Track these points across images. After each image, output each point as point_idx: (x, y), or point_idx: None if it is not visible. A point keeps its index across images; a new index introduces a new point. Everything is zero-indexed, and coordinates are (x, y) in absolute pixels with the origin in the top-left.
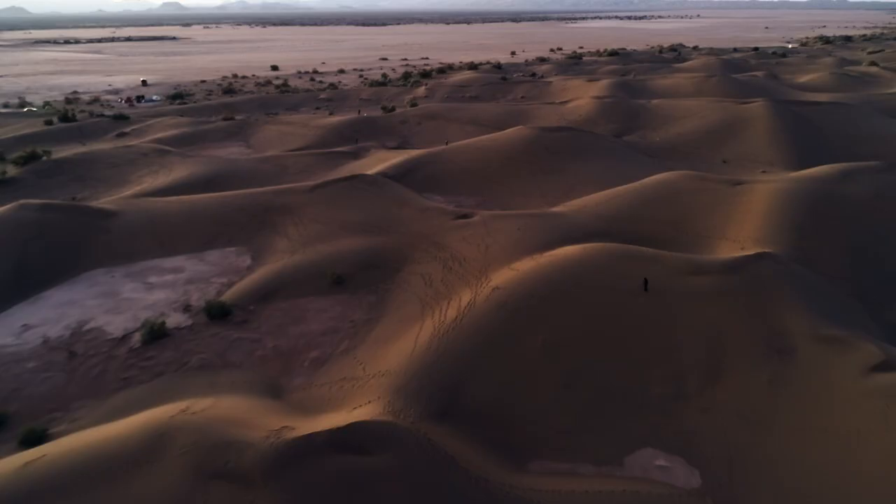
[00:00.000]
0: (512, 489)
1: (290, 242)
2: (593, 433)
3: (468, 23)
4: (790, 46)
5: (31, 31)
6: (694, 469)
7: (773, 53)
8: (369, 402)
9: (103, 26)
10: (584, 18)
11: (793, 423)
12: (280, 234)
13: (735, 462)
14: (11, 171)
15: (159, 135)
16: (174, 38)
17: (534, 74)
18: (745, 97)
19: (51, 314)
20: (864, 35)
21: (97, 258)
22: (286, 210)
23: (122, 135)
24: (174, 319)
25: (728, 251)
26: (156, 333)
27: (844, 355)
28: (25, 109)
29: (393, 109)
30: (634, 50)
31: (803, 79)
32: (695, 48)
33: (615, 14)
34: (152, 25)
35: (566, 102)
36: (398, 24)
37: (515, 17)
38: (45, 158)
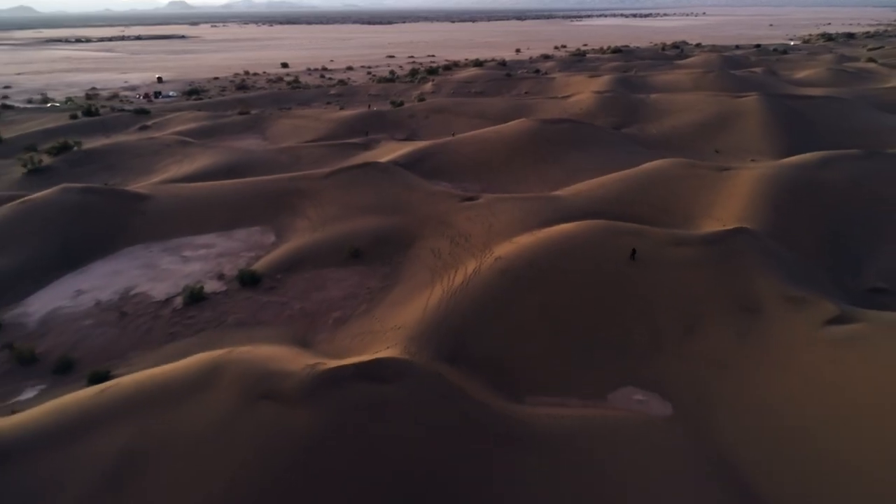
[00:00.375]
0: (511, 413)
1: (310, 222)
2: (581, 376)
3: (473, 21)
4: (792, 43)
5: (41, 29)
6: (667, 402)
7: (774, 50)
8: (387, 348)
9: (112, 25)
10: (589, 16)
11: (755, 365)
12: (300, 215)
13: (703, 397)
14: (46, 160)
15: (179, 128)
16: (183, 37)
17: (537, 71)
18: (742, 92)
19: (99, 282)
20: (868, 32)
21: (135, 236)
22: (304, 194)
23: (144, 128)
24: (210, 286)
25: (711, 228)
26: (195, 297)
27: (804, 311)
28: (49, 105)
29: (401, 104)
30: (638, 47)
31: (801, 74)
32: (697, 45)
33: (620, 12)
34: (160, 24)
35: (568, 97)
36: (404, 22)
37: (521, 15)
38: (75, 149)
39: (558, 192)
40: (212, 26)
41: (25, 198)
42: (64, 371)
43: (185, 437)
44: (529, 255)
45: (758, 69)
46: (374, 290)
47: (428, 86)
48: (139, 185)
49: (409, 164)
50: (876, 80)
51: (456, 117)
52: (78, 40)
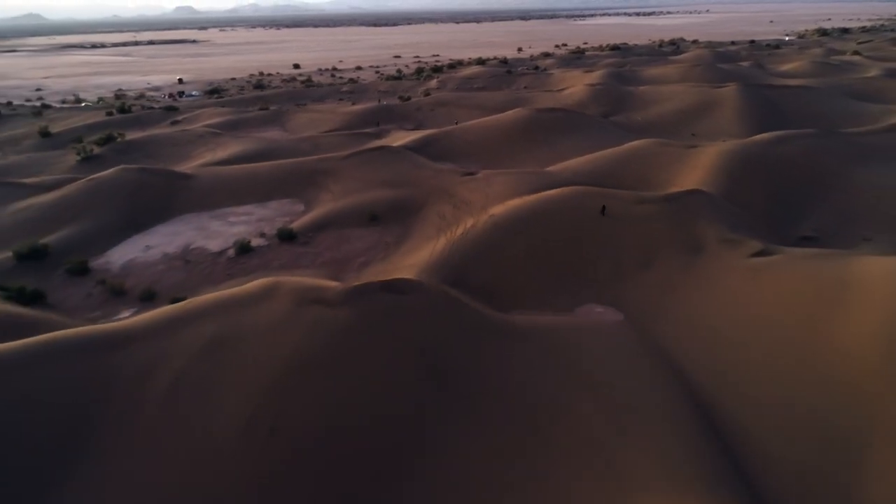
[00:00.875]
0: (499, 317)
1: (333, 195)
2: (554, 297)
3: (478, 21)
4: (787, 38)
5: (54, 36)
6: (620, 313)
7: (767, 45)
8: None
9: (121, 31)
10: (592, 15)
11: (693, 288)
12: (324, 189)
13: (649, 309)
14: (95, 149)
15: (207, 121)
16: (194, 41)
17: (536, 67)
18: (724, 83)
19: (163, 240)
20: (864, 27)
21: (185, 206)
22: (327, 172)
23: (175, 122)
24: (255, 241)
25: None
26: (244, 248)
27: (736, 249)
28: (83, 104)
29: (409, 99)
30: (636, 45)
31: (785, 67)
32: (694, 42)
33: (624, 11)
34: (169, 29)
35: (562, 90)
36: (409, 23)
37: (525, 15)
38: (118, 140)
39: (548, 169)
40: (220, 30)
41: (92, 176)
42: (149, 299)
43: (255, 328)
44: (518, 212)
45: (746, 63)
46: (391, 243)
47: (433, 82)
48: (181, 168)
49: (417, 148)
50: (855, 71)
51: (459, 109)
52: (93, 46)
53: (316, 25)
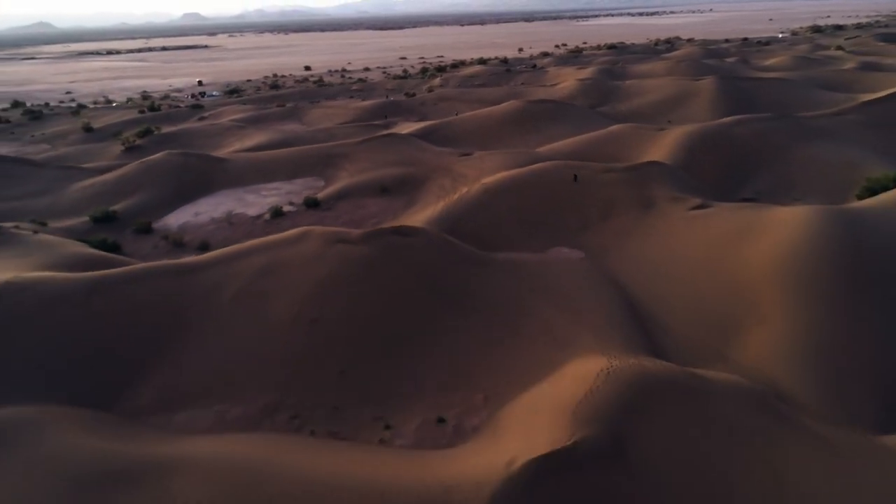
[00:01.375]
0: (486, 254)
1: (349, 173)
2: (530, 243)
3: (482, 23)
4: (780, 36)
5: (68, 44)
6: (582, 252)
7: (758, 42)
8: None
9: (132, 38)
10: (596, 16)
11: (642, 234)
12: (341, 168)
13: (605, 249)
14: (137, 141)
15: (231, 117)
16: (206, 47)
17: (534, 66)
18: (705, 76)
19: (208, 208)
20: (860, 24)
21: (224, 183)
22: (342, 156)
23: (202, 118)
24: (286, 208)
25: None
26: (277, 213)
27: (680, 204)
28: (114, 104)
29: (414, 95)
30: (633, 44)
31: (768, 62)
32: (689, 40)
33: (628, 11)
34: (179, 36)
35: (555, 84)
36: (414, 27)
37: (529, 17)
38: (156, 133)
39: (535, 150)
40: (229, 36)
41: (143, 160)
42: (204, 249)
43: (295, 259)
44: (504, 180)
45: (732, 59)
46: (399, 208)
47: (436, 80)
48: (216, 155)
49: (422, 135)
50: (832, 65)
51: (460, 103)
52: (109, 52)
53: (323, 30)
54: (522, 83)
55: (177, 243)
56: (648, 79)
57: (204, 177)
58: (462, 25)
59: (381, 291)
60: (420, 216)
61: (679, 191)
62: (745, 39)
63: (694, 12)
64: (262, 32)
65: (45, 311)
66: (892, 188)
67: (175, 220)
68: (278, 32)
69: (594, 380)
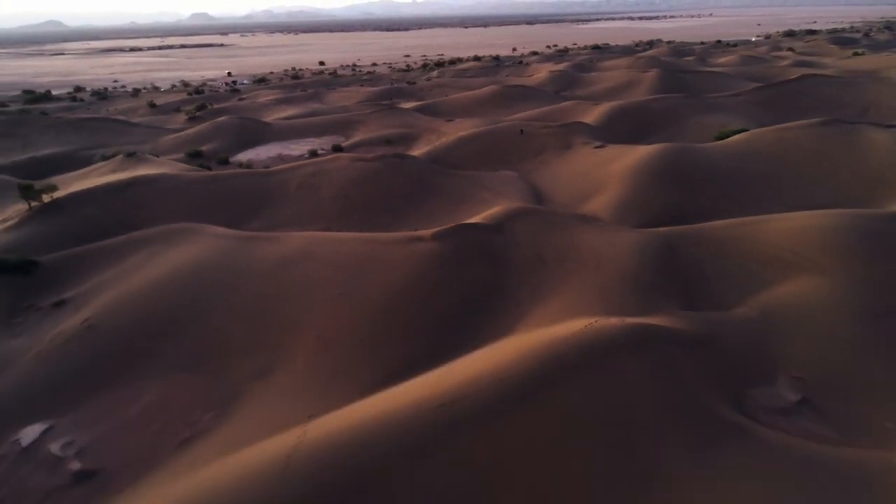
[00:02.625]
0: (453, 171)
1: (362, 133)
2: (486, 168)
3: (486, 26)
4: (753, 39)
5: (88, 41)
6: (517, 172)
7: (727, 44)
8: None
9: (148, 36)
10: (598, 19)
11: (558, 162)
12: (356, 130)
13: (531, 171)
14: (197, 113)
15: (265, 98)
16: (221, 45)
17: (521, 62)
18: (666, 68)
19: (263, 152)
20: (834, 28)
21: (270, 138)
22: (357, 122)
23: (241, 99)
24: (319, 151)
25: None
26: (314, 154)
27: (588, 146)
28: (162, 90)
29: (414, 83)
30: (617, 45)
31: (720, 60)
32: (669, 42)
33: (629, 15)
34: (191, 35)
35: (531, 76)
36: (420, 28)
37: (532, 20)
38: (209, 107)
39: (504, 118)
40: (241, 36)
41: (212, 121)
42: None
43: (332, 169)
44: (472, 133)
45: (692, 58)
46: (400, 151)
47: (434, 73)
48: (262, 120)
49: (418, 109)
50: (772, 63)
51: (451, 89)
52: (132, 49)
53: (331, 30)
54: (507, 75)
55: (248, 167)
56: (609, 71)
57: (257, 133)
58: (466, 27)
59: (388, 185)
60: (417, 153)
61: (592, 138)
62: (719, 42)
63: (694, 17)
64: (272, 32)
65: (181, 189)
66: (731, 137)
67: (243, 157)
68: (288, 33)
69: (498, 211)
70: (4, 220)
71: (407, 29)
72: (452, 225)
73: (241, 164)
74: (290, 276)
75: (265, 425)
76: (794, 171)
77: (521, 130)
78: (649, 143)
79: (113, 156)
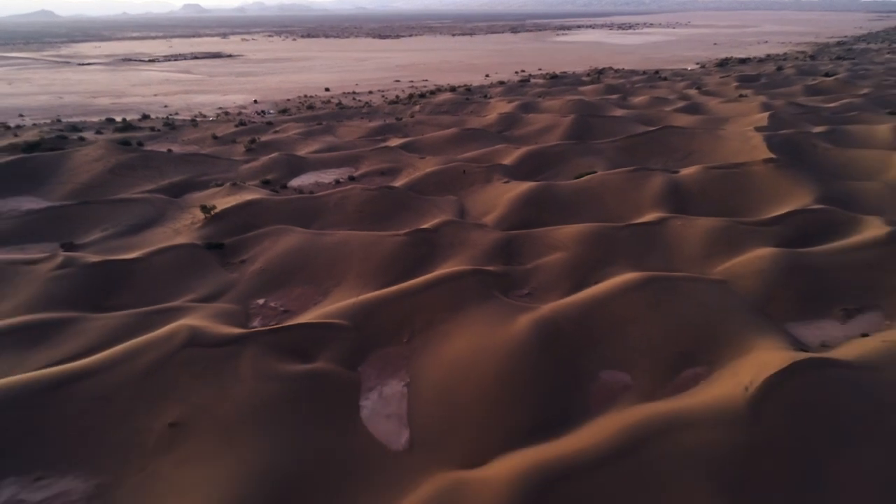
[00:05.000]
0: (421, 196)
1: (367, 166)
2: (438, 195)
3: (472, 34)
4: (689, 69)
5: (98, 43)
6: (455, 197)
7: (660, 77)
8: None
9: (148, 35)
10: (579, 27)
11: (480, 191)
12: (362, 163)
13: (464, 197)
14: (251, 145)
15: (293, 132)
16: (230, 56)
17: (486, 95)
18: (576, 112)
19: (305, 179)
20: (767, 55)
21: (307, 169)
22: (362, 157)
23: (276, 132)
24: (340, 180)
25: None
26: (338, 183)
27: (501, 181)
28: (211, 119)
29: (401, 119)
30: (574, 73)
31: (634, 101)
32: (617, 71)
33: (608, 23)
34: (186, 27)
35: (485, 116)
36: (410, 35)
37: (517, 26)
38: (257, 140)
39: (455, 156)
40: (242, 39)
41: (269, 156)
42: (312, 192)
43: (349, 196)
44: (435, 170)
45: (615, 96)
46: (389, 181)
47: (417, 107)
48: (298, 154)
49: (402, 147)
50: (667, 105)
51: (427, 126)
52: (151, 60)
53: (328, 36)
54: (471, 111)
55: (301, 191)
56: (543, 114)
57: (299, 165)
58: (453, 35)
59: (383, 205)
60: (398, 184)
61: (505, 176)
62: (656, 72)
63: (668, 27)
64: (270, 35)
65: (273, 207)
66: (582, 177)
67: (294, 183)
68: (285, 35)
69: (437, 221)
70: (192, 223)
71: (398, 37)
72: (414, 228)
73: (296, 189)
74: (339, 251)
75: (348, 296)
76: (602, 201)
77: (464, 171)
78: (537, 180)
79: (222, 184)
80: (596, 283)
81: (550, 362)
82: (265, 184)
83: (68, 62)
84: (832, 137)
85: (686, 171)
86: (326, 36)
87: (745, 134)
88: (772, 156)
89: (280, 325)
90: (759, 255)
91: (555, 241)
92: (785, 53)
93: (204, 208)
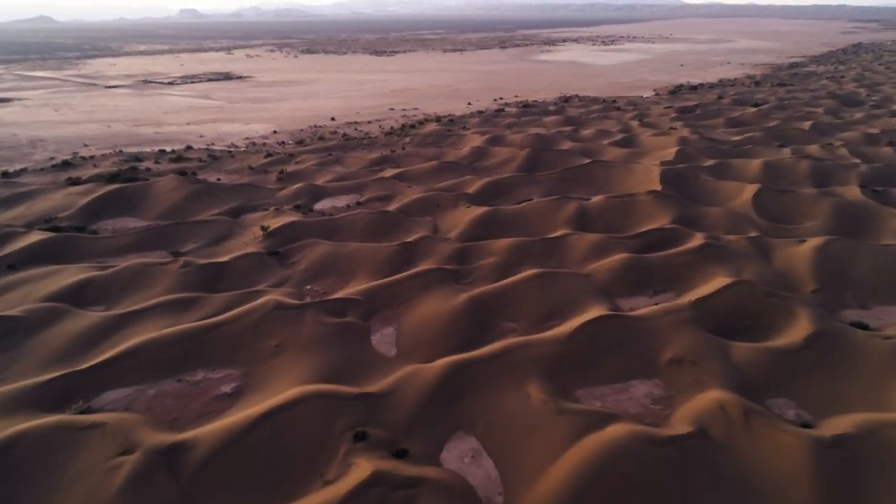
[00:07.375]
0: (408, 217)
1: (368, 193)
2: (419, 216)
3: (462, 51)
4: (644, 96)
5: (111, 59)
6: (431, 217)
7: (615, 107)
8: None
9: (161, 52)
10: (564, 41)
11: (449, 213)
12: (365, 191)
13: (436, 217)
14: (281, 175)
15: (310, 163)
16: (240, 78)
17: (465, 126)
18: (530, 147)
19: (324, 204)
20: (719, 81)
21: (325, 196)
22: (364, 185)
23: (297, 162)
24: (349, 205)
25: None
26: (349, 207)
27: (463, 205)
28: (242, 149)
29: (394, 151)
30: (544, 100)
31: (585, 133)
32: (581, 99)
33: (593, 36)
34: (199, 51)
35: (461, 148)
36: (405, 51)
37: (506, 39)
38: (285, 171)
39: (433, 185)
40: (247, 56)
41: (295, 186)
42: (332, 214)
43: (359, 217)
44: (418, 197)
45: (569, 128)
46: (385, 206)
47: (406, 139)
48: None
49: (395, 177)
50: (604, 139)
51: (415, 158)
52: (170, 83)
53: (325, 51)
54: (450, 143)
55: (326, 214)
56: (507, 147)
57: (319, 193)
58: (444, 52)
59: (382, 225)
60: (391, 208)
61: (468, 202)
62: (614, 101)
63: (649, 41)
64: (271, 49)
65: (309, 226)
66: (521, 203)
67: (318, 207)
68: (286, 51)
69: (416, 236)
70: (254, 238)
71: (393, 52)
72: (402, 241)
73: (319, 212)
74: (353, 256)
75: (361, 284)
76: (529, 222)
77: (438, 204)
78: (490, 206)
79: (267, 209)
80: (512, 276)
81: (474, 317)
82: (296, 208)
83: (94, 84)
84: (715, 171)
85: (594, 199)
86: (325, 51)
87: (648, 168)
88: (657, 188)
89: (323, 300)
90: (617, 258)
91: (492, 250)
92: (735, 79)
93: (262, 227)
